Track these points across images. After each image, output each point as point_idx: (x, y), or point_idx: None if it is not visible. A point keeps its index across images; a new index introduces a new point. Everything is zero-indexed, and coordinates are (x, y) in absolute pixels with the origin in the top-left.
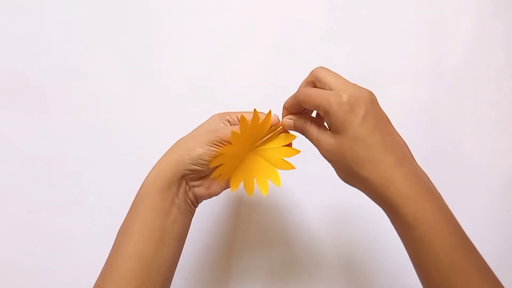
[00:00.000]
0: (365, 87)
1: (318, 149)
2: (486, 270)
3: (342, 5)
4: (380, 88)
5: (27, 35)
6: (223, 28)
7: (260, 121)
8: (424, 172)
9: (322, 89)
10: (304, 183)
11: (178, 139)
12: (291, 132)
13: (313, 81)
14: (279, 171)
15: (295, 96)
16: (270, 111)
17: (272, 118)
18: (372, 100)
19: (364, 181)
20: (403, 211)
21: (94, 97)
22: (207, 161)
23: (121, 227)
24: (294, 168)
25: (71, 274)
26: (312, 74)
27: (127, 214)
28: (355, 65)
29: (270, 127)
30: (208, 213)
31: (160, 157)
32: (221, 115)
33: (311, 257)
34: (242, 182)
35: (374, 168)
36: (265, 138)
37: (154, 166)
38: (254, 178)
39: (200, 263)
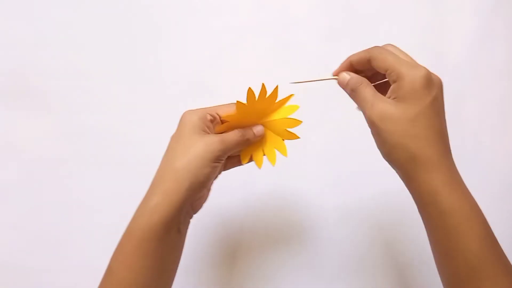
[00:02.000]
0: None
1: (369, 112)
2: (509, 266)
3: (342, 5)
4: None
5: (27, 35)
6: (223, 28)
7: (267, 95)
8: None
9: None
10: (308, 183)
11: (164, 154)
12: (294, 117)
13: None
14: (286, 142)
15: (368, 50)
16: (277, 86)
17: (258, 131)
18: (442, 87)
19: (411, 158)
20: (441, 198)
21: (94, 97)
22: (212, 178)
23: (115, 254)
24: (299, 138)
25: (71, 274)
26: (386, 46)
27: (121, 241)
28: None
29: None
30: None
31: (156, 181)
32: (199, 115)
33: (313, 256)
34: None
35: (426, 149)
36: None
37: (154, 191)
38: (263, 150)
39: (203, 265)
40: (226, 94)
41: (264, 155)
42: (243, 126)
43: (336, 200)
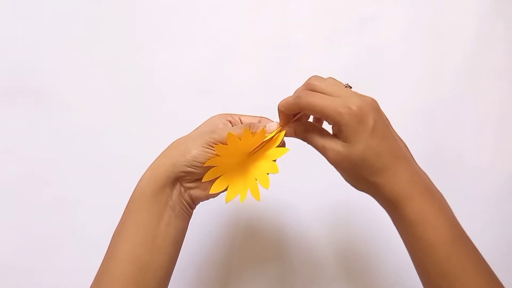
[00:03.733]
0: (366, 94)
1: (325, 157)
2: (483, 266)
3: (342, 5)
4: (380, 88)
5: (27, 35)
6: (223, 28)
7: (253, 136)
8: (423, 171)
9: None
10: (302, 186)
11: (173, 140)
12: (288, 138)
13: (312, 88)
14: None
15: (295, 102)
16: (263, 129)
17: (269, 126)
18: (377, 108)
19: (373, 186)
20: (406, 211)
21: (94, 97)
22: (202, 163)
23: (115, 229)
24: (288, 150)
25: (71, 275)
26: (308, 84)
27: (122, 216)
28: (355, 65)
29: (266, 137)
30: (207, 216)
31: (155, 159)
32: (222, 116)
33: (310, 259)
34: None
35: (383, 174)
36: (260, 146)
37: (148, 168)
38: (256, 180)
39: (201, 265)
40: (226, 94)
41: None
42: (230, 168)
43: (336, 201)
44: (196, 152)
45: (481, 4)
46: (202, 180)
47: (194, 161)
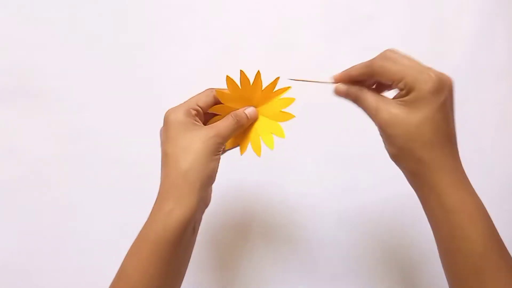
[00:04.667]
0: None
1: (375, 118)
2: None
3: (342, 5)
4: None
5: (27, 35)
6: (222, 28)
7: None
8: None
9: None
10: (308, 186)
11: (167, 157)
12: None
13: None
14: (281, 124)
15: (368, 64)
16: (258, 71)
17: (250, 112)
18: (451, 87)
19: (417, 161)
20: (446, 198)
21: (94, 97)
22: (216, 171)
23: (127, 259)
24: (294, 116)
25: (71, 275)
26: (385, 54)
27: (138, 246)
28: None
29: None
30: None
31: (165, 183)
32: (183, 111)
33: (314, 257)
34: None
35: (433, 151)
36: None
37: (166, 196)
38: (260, 137)
39: (203, 268)
40: None
41: (262, 140)
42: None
43: (337, 201)
44: (213, 164)
45: (481, 4)
46: (226, 148)
47: (214, 173)
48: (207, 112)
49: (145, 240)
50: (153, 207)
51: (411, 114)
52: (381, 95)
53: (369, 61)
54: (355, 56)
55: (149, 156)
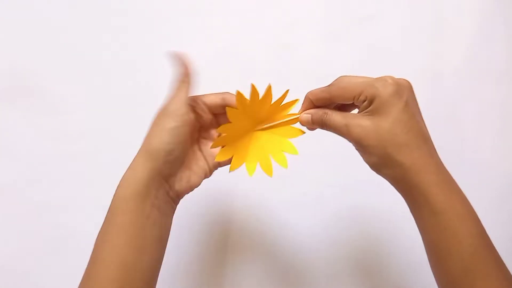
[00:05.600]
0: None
1: (347, 135)
2: (501, 263)
3: (342, 5)
4: None
5: (27, 35)
6: (223, 29)
7: (260, 97)
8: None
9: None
10: (301, 186)
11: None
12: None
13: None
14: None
15: (327, 90)
16: (269, 85)
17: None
18: (411, 88)
19: (397, 166)
20: (432, 198)
21: (94, 97)
22: (175, 139)
23: (99, 233)
24: (304, 133)
25: (71, 275)
26: (337, 79)
27: (105, 219)
28: (354, 65)
29: (288, 114)
30: (201, 217)
31: (134, 158)
32: (182, 102)
33: (305, 260)
34: (258, 164)
35: (410, 153)
36: (275, 123)
37: (127, 169)
38: (270, 156)
39: (192, 268)
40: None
41: (258, 161)
42: (241, 135)
43: (335, 203)
44: (168, 138)
45: (481, 4)
46: (211, 147)
47: (170, 147)
48: (216, 114)
49: (111, 213)
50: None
51: (380, 121)
52: (346, 113)
53: (326, 86)
54: (355, 56)
55: None
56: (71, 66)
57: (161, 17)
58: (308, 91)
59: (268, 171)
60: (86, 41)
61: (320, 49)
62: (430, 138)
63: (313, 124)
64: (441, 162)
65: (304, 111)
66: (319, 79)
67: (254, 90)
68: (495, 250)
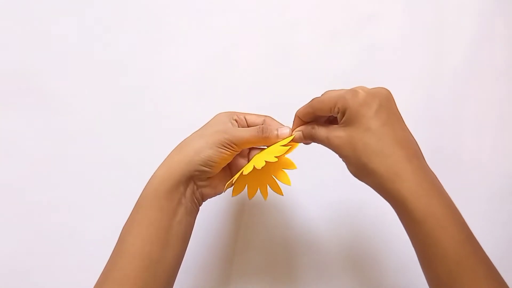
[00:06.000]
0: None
1: (329, 147)
2: (492, 269)
3: (342, 5)
4: None
5: (27, 35)
6: (223, 29)
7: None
8: (432, 171)
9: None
10: (307, 183)
11: (184, 138)
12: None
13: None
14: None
15: (309, 105)
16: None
17: (281, 131)
18: (387, 96)
19: (373, 174)
20: (411, 206)
21: (94, 97)
22: (215, 162)
23: (125, 226)
24: (296, 168)
25: (72, 275)
26: (322, 94)
27: (132, 212)
28: (355, 65)
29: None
30: (211, 213)
31: (167, 156)
32: (228, 114)
33: (313, 256)
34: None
35: (383, 161)
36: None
37: (160, 165)
38: (273, 177)
39: (202, 263)
40: (227, 95)
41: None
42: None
43: (338, 199)
44: (211, 151)
45: (481, 4)
46: (232, 196)
47: (209, 160)
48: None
49: (139, 205)
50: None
51: (353, 131)
52: (330, 126)
53: (309, 102)
54: (355, 56)
55: (149, 156)
56: (72, 66)
57: (162, 17)
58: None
59: (278, 191)
60: (86, 41)
61: (320, 49)
62: (410, 143)
63: (305, 139)
64: (422, 165)
65: (295, 129)
66: (319, 79)
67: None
68: (484, 254)
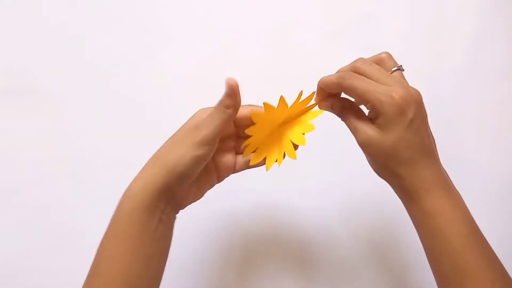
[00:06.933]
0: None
1: (355, 136)
2: (496, 264)
3: (342, 5)
4: None
5: (27, 35)
6: (222, 28)
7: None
8: (444, 169)
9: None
10: (306, 185)
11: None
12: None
13: (355, 71)
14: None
15: (338, 82)
16: (301, 91)
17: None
18: (419, 101)
19: (396, 176)
20: (424, 203)
21: (94, 97)
22: (194, 166)
23: (101, 243)
24: (315, 128)
25: (72, 275)
26: (353, 65)
27: (108, 228)
28: None
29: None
30: (212, 214)
31: (141, 169)
32: (208, 108)
33: (312, 258)
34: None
35: (409, 167)
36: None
37: (135, 179)
38: (277, 148)
39: (201, 268)
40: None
41: (277, 154)
42: (264, 139)
43: (336, 202)
44: (188, 156)
45: (481, 4)
46: (243, 156)
47: (187, 167)
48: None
49: (117, 221)
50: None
51: (384, 136)
52: (362, 114)
53: (338, 77)
54: (355, 56)
55: (150, 155)
56: (71, 66)
57: (162, 17)
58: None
59: (292, 155)
60: (86, 41)
61: (320, 49)
62: (433, 149)
63: (332, 111)
64: (438, 166)
65: (320, 99)
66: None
67: (282, 101)
68: (490, 249)
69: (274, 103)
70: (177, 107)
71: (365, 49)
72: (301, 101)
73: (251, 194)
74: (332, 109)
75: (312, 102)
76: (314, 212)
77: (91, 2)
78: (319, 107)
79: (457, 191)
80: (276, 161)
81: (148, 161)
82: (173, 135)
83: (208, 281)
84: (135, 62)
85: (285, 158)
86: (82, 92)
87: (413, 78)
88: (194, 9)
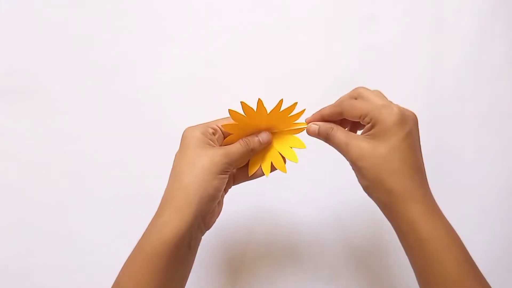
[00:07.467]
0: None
1: (345, 154)
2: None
3: (342, 5)
4: (380, 88)
5: (27, 36)
6: (222, 29)
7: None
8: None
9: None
10: (305, 189)
11: (171, 172)
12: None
13: (356, 97)
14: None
15: (337, 105)
16: (281, 100)
17: (263, 138)
18: (416, 121)
19: (387, 192)
20: (420, 227)
21: (94, 97)
22: (221, 191)
23: (123, 273)
24: (305, 147)
25: (72, 275)
26: (355, 91)
27: (130, 262)
28: (354, 65)
29: (295, 122)
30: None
31: (166, 198)
32: (200, 129)
33: (312, 261)
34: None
35: (402, 182)
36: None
37: (162, 209)
38: (270, 158)
39: (205, 275)
40: (227, 95)
41: (273, 162)
42: (248, 135)
43: (335, 204)
44: (216, 182)
45: (481, 4)
46: (250, 175)
47: (217, 192)
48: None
49: (141, 251)
50: (152, 218)
51: (379, 146)
52: (351, 132)
53: (339, 100)
54: (355, 56)
55: (149, 157)
56: (71, 66)
57: (162, 17)
58: (322, 107)
59: (281, 168)
60: (86, 41)
61: (320, 49)
62: (424, 169)
63: (318, 135)
64: (429, 191)
65: (312, 121)
66: (319, 80)
67: (260, 104)
68: (481, 276)
69: (272, 103)
70: (177, 107)
71: (365, 49)
72: (284, 110)
73: (249, 198)
74: (319, 133)
75: (301, 121)
76: (312, 216)
77: (91, 2)
78: (307, 130)
79: (445, 217)
80: (276, 168)
81: (172, 189)
82: (190, 160)
83: (208, 281)
84: (135, 62)
85: (275, 170)
86: (82, 92)
87: (413, 78)
88: (195, 9)
